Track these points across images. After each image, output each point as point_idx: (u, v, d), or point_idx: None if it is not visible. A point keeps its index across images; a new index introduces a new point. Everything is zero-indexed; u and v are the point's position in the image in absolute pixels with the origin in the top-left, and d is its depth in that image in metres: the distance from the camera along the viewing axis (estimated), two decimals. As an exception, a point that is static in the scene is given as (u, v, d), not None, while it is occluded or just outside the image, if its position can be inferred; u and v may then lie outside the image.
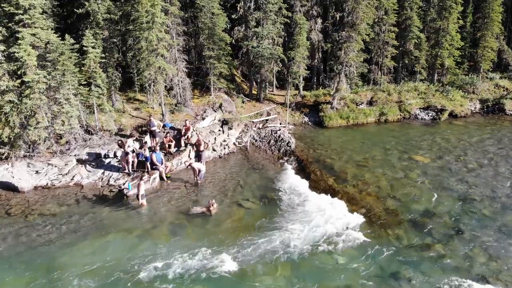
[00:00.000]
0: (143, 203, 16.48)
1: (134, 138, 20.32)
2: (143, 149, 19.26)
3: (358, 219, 15.51)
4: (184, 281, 12.28)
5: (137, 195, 16.52)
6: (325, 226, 14.87)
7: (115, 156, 19.76)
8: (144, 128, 21.50)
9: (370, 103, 30.11)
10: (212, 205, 16.00)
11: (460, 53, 33.83)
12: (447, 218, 15.91)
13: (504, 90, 34.00)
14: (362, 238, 14.32)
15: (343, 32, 27.81)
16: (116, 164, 19.44)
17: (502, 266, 13.15)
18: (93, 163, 19.42)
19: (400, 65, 33.57)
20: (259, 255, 13.36)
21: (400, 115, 29.84)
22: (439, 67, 33.65)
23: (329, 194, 17.35)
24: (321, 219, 15.31)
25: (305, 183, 18.66)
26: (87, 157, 19.60)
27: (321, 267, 12.97)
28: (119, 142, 19.63)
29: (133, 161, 19.09)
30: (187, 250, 13.59)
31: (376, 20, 30.77)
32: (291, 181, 19.01)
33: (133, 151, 19.04)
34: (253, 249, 13.63)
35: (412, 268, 12.95)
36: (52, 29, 19.52)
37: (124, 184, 18.06)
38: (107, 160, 19.57)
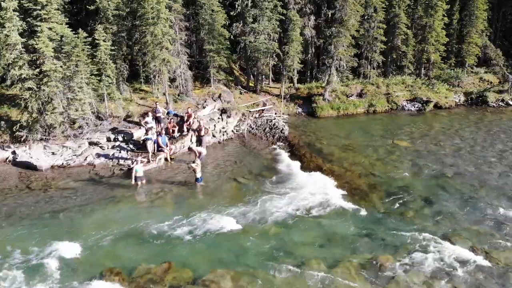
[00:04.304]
0: (138, 183, 17.92)
1: (151, 117, 21.99)
2: (150, 133, 21.22)
3: (341, 191, 17.52)
4: (192, 238, 14.19)
5: (133, 176, 17.99)
6: (311, 197, 16.90)
7: (123, 139, 21.73)
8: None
9: (360, 95, 32.02)
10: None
11: (446, 49, 35.76)
12: (421, 191, 17.91)
13: (488, 84, 35.99)
14: (343, 206, 16.35)
15: (333, 28, 29.80)
16: (124, 146, 21.42)
17: (464, 228, 15.16)
18: (105, 145, 21.40)
19: (389, 59, 35.42)
20: (255, 219, 15.37)
21: (388, 106, 31.72)
22: (426, 61, 35.56)
23: (316, 172, 19.34)
24: (308, 191, 17.34)
25: (296, 163, 20.62)
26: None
27: (306, 227, 15.00)
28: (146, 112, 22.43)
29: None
30: (191, 215, 15.57)
31: (365, 17, 32.65)
32: (284, 162, 21.00)
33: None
34: (249, 214, 15.63)
35: (385, 228, 14.97)
36: (66, 24, 21.46)
37: (132, 163, 19.99)
38: (117, 143, 21.55)
